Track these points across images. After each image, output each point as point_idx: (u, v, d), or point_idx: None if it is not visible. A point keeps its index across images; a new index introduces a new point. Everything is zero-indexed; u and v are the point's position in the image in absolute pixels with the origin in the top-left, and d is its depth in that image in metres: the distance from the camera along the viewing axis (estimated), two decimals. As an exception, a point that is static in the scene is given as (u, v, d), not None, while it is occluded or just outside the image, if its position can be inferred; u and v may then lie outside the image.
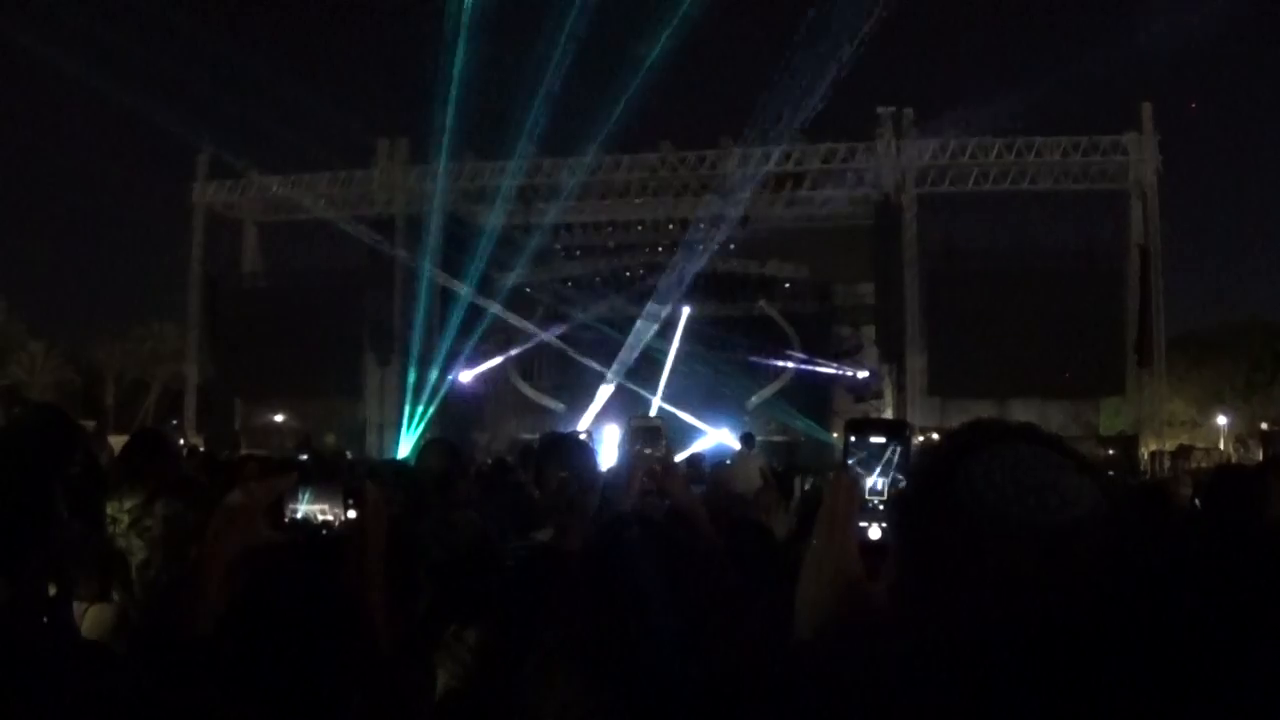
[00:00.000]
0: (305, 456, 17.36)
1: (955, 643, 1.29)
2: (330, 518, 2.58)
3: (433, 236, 31.00)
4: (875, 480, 1.58)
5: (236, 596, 2.46)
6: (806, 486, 6.23)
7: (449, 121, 28.04)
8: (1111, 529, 1.31)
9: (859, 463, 1.58)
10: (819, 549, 1.56)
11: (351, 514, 2.53)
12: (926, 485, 1.38)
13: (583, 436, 5.82)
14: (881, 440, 1.59)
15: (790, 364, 33.00)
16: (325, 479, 2.63)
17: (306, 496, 2.57)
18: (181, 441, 20.03)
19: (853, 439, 1.60)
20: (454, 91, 27.02)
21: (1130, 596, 1.30)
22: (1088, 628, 1.25)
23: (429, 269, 30.60)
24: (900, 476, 1.57)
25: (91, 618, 3.55)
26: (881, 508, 1.56)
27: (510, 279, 33.20)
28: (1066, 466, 1.35)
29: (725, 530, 4.78)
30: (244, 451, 15.21)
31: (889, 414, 27.17)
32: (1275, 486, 4.25)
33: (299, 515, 2.58)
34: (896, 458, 1.58)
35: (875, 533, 1.55)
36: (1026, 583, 1.27)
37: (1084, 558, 1.28)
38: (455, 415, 30.66)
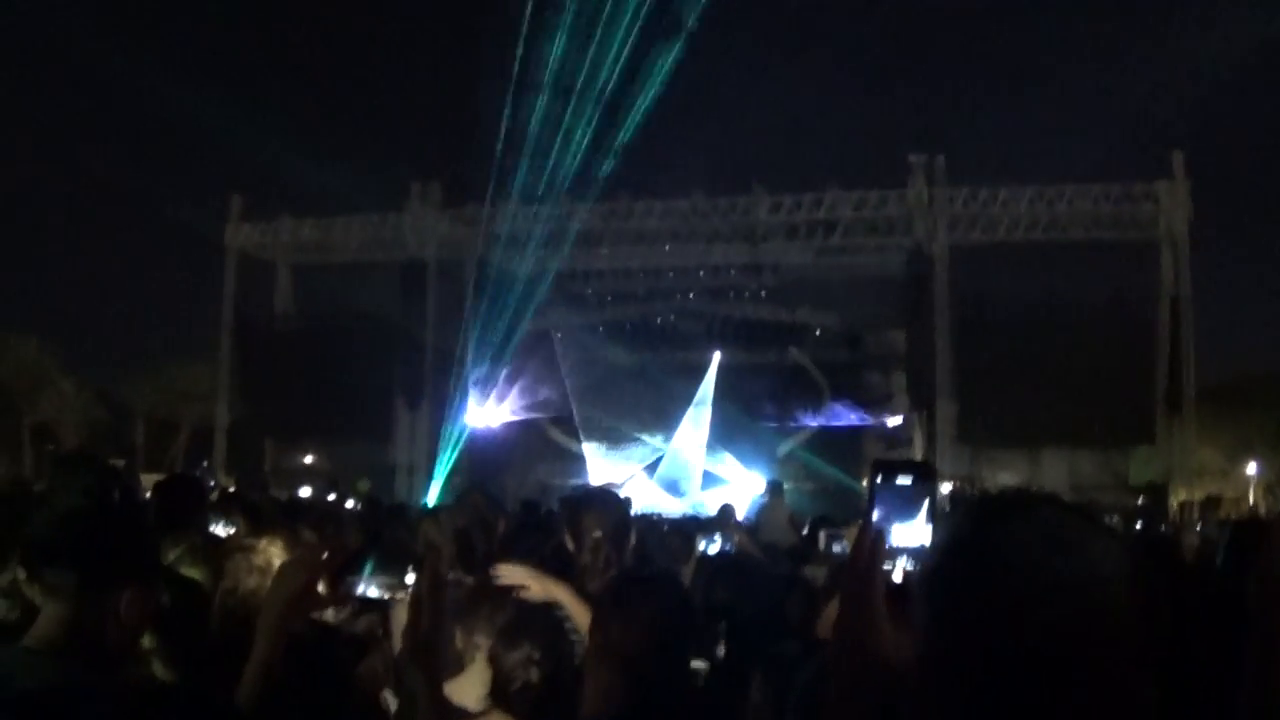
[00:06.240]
0: (333, 496, 17.58)
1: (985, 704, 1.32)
2: (389, 595, 2.60)
3: (465, 280, 31.13)
4: (903, 521, 1.61)
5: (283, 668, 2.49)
6: (836, 548, 6.20)
7: (481, 166, 28.29)
8: (1136, 585, 1.35)
9: (886, 503, 1.61)
10: (845, 608, 1.59)
11: (411, 578, 2.54)
12: (954, 550, 1.42)
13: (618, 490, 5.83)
14: (908, 482, 1.62)
15: (820, 412, 32.89)
16: (387, 557, 2.64)
17: (369, 569, 2.59)
18: (212, 483, 20.18)
19: (879, 480, 1.63)
20: (486, 136, 27.27)
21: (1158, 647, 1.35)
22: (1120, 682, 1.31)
23: (460, 313, 30.67)
24: (928, 521, 1.60)
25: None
26: (908, 548, 1.60)
27: (540, 324, 33.30)
28: (1091, 528, 1.40)
29: (767, 586, 4.79)
30: (277, 494, 15.25)
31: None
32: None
33: (359, 591, 2.60)
34: (924, 500, 1.62)
35: (898, 575, 1.58)
36: (1057, 638, 1.31)
37: (1113, 612, 1.33)
38: (484, 460, 30.67)
